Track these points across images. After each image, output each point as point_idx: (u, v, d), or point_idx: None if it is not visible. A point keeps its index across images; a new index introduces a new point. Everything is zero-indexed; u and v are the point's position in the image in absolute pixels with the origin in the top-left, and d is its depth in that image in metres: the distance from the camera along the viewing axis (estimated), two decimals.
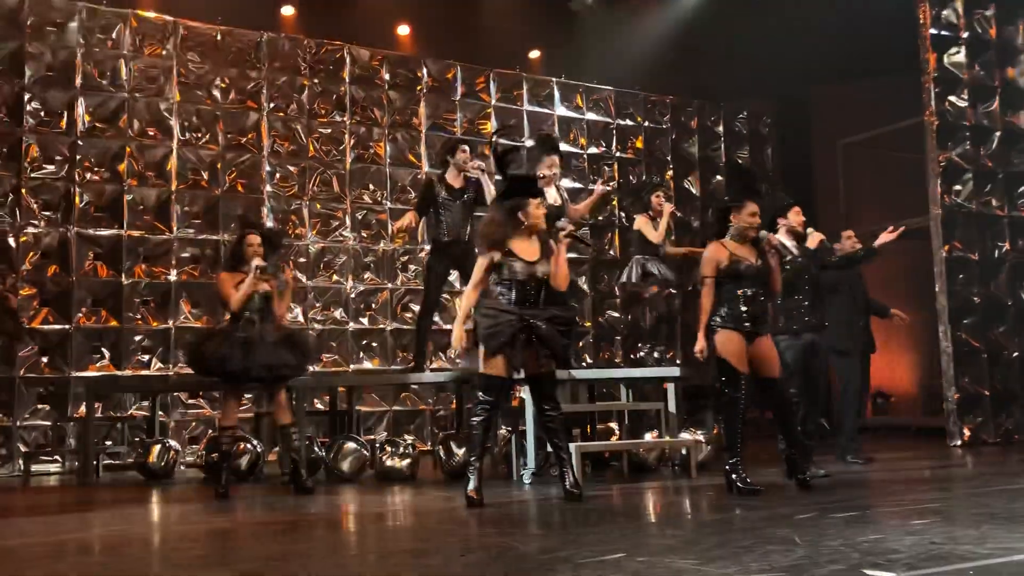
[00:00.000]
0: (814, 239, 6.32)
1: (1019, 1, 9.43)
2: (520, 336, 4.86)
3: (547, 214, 5.36)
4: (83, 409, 7.74)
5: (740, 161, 11.63)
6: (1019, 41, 9.45)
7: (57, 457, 8.23)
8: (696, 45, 11.35)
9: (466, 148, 7.20)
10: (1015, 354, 8.93)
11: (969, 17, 9.18)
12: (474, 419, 4.99)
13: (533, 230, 5.03)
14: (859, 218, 11.34)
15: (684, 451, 6.33)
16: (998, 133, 9.23)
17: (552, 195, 6.73)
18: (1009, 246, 9.12)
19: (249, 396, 8.42)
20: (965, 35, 9.13)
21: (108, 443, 8.17)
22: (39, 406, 8.27)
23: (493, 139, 7.32)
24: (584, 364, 7.93)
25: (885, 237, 6.47)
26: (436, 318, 8.59)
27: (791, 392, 5.81)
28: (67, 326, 8.38)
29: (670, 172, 9.11)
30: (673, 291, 7.69)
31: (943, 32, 9.02)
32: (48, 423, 8.24)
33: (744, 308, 5.10)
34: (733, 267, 5.11)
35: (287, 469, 6.23)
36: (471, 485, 4.89)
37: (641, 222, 7.72)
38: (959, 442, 8.35)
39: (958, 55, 9.09)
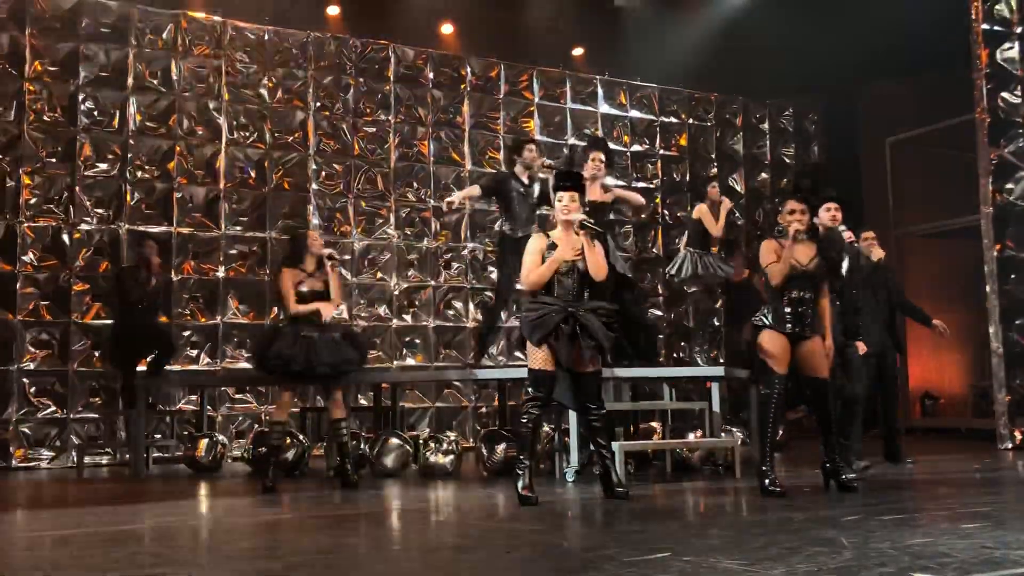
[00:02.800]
0: (877, 253, 6.28)
1: None
2: (564, 328, 4.87)
3: (588, 210, 5.38)
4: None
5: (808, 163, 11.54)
6: None
7: (109, 449, 8.42)
8: (741, 42, 11.25)
9: (533, 147, 7.25)
10: None
11: (1022, 12, 8.98)
12: (523, 416, 4.98)
13: (570, 224, 5.04)
14: (906, 218, 11.18)
15: (728, 451, 6.29)
16: None
17: (598, 192, 6.71)
18: None
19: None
20: (1019, 30, 8.94)
21: (157, 436, 8.34)
22: (91, 399, 8.46)
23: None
24: (627, 363, 7.89)
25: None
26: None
27: (854, 393, 5.79)
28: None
29: (714, 169, 9.06)
30: (719, 289, 7.62)
31: (996, 27, 8.83)
32: (98, 416, 8.43)
33: (788, 309, 5.06)
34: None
35: (334, 464, 6.31)
36: (522, 482, 4.86)
37: (702, 210, 7.66)
38: (1010, 445, 8.19)
39: (1011, 51, 8.89)
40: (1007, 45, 8.90)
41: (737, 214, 10.76)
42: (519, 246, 6.97)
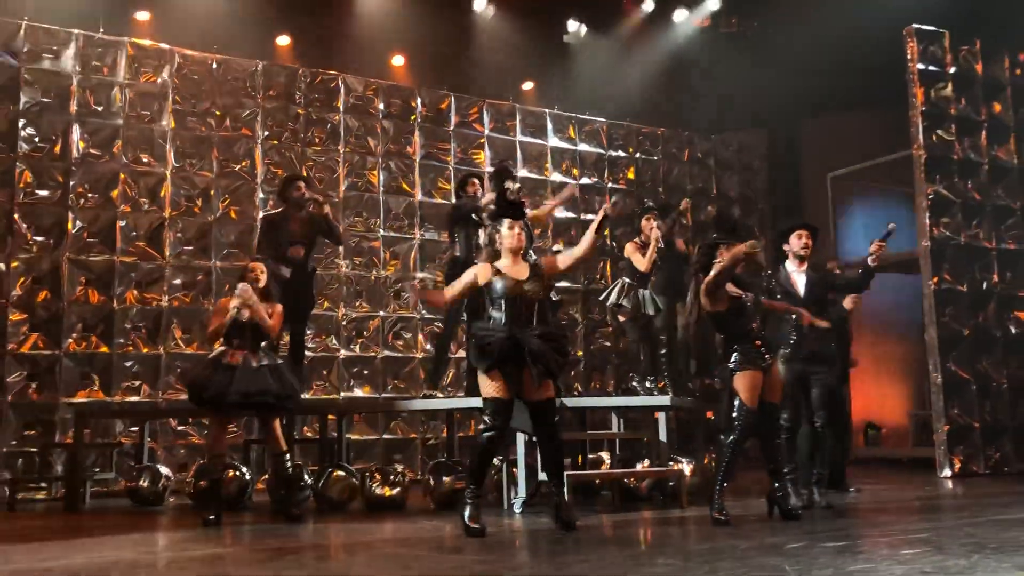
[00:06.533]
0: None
1: (1003, 38, 9.58)
2: (512, 355, 4.87)
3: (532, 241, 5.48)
4: (71, 435, 7.68)
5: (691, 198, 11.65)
6: (1004, 77, 9.60)
7: (43, 484, 8.16)
8: (687, 78, 11.49)
9: (476, 180, 7.37)
10: (1004, 385, 8.97)
11: (955, 53, 9.32)
12: (479, 445, 4.92)
13: (516, 251, 5.08)
14: (849, 250, 11.43)
15: (673, 481, 6.32)
16: (985, 167, 9.35)
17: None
18: (997, 278, 9.20)
19: (237, 423, 8.41)
20: (952, 70, 9.27)
21: (96, 470, 8.11)
22: (26, 432, 8.21)
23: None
24: (576, 392, 7.93)
25: (875, 248, 6.26)
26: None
27: (782, 419, 5.82)
28: (56, 352, 8.35)
29: (685, 202, 9.11)
30: (655, 316, 7.63)
31: (930, 67, 9.15)
32: (35, 449, 8.18)
33: (758, 343, 5.16)
34: (739, 304, 5.16)
35: (277, 496, 6.19)
36: (469, 512, 4.81)
37: (630, 249, 7.70)
38: (949, 473, 8.36)
39: (945, 90, 9.22)
40: (941, 84, 9.22)
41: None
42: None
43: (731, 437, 5.12)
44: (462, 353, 8.93)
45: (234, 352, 5.79)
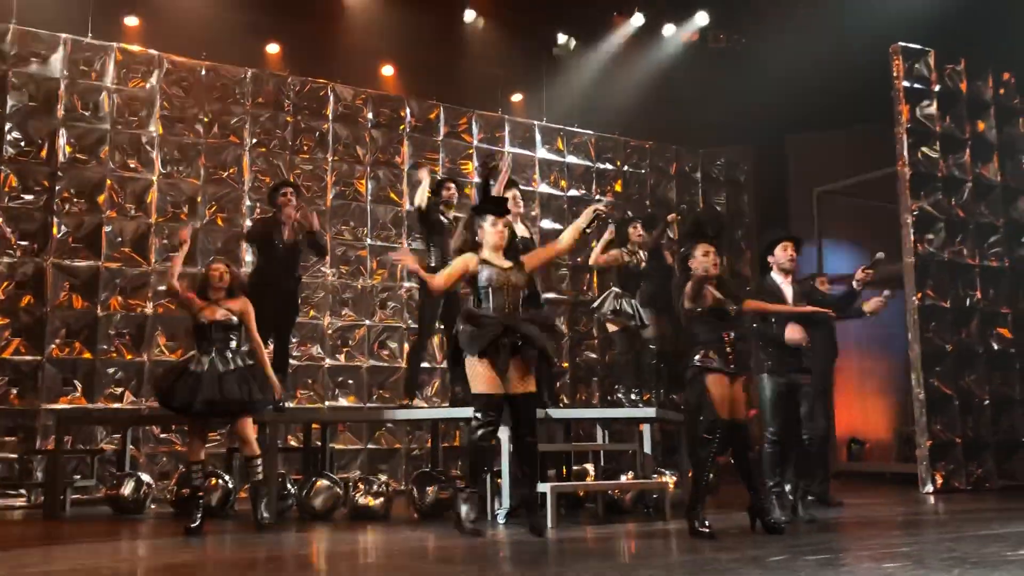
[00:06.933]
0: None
1: (987, 57, 9.69)
2: (504, 341, 4.87)
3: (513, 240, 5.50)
4: (52, 442, 7.62)
5: (685, 207, 11.70)
6: (987, 95, 9.70)
7: (23, 491, 8.08)
8: (675, 92, 11.56)
9: (451, 186, 7.43)
10: (986, 401, 9.03)
11: (940, 71, 9.41)
12: (474, 441, 4.86)
13: (497, 248, 5.10)
14: (834, 265, 11.48)
15: (657, 493, 6.32)
16: (969, 184, 9.43)
17: (520, 229, 6.80)
18: (980, 295, 9.27)
19: (222, 431, 8.36)
20: (936, 88, 9.35)
21: (77, 477, 8.04)
22: (6, 438, 8.14)
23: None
24: (561, 404, 7.90)
25: (873, 306, 6.41)
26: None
27: (769, 432, 5.83)
28: (39, 357, 8.29)
29: (672, 216, 9.16)
30: (641, 329, 7.64)
31: (916, 85, 9.23)
32: (15, 456, 8.11)
33: (728, 351, 5.13)
34: (719, 308, 5.15)
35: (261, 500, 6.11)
36: (466, 511, 4.75)
37: (599, 260, 7.77)
38: (931, 488, 8.39)
39: (930, 108, 9.30)
40: (926, 102, 9.31)
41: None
42: None
43: (702, 449, 5.07)
44: (446, 363, 8.91)
45: (200, 357, 5.69)
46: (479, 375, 4.86)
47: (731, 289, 5.39)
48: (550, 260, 5.83)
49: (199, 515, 5.64)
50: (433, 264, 7.05)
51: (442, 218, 7.22)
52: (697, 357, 5.11)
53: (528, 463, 5.01)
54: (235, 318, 5.81)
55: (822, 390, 6.95)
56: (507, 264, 5.09)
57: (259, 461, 5.83)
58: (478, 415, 4.90)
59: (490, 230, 5.13)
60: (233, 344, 5.80)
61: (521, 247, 5.85)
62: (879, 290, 6.53)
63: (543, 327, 5.06)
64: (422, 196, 7.19)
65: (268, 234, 7.15)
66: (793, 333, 5.78)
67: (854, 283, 6.35)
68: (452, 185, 7.50)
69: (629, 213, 9.02)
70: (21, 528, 6.64)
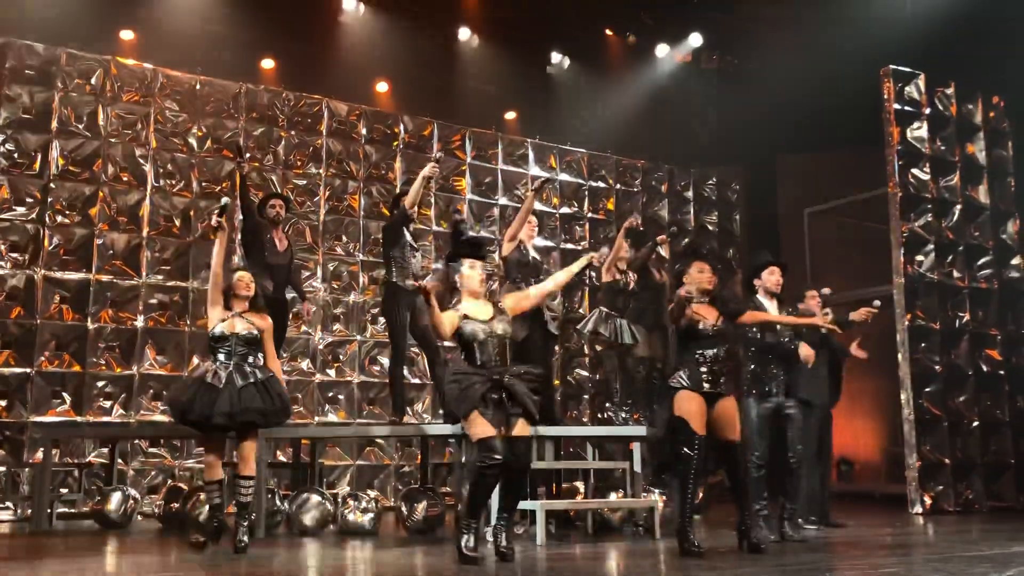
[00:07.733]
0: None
1: (977, 81, 9.78)
2: (491, 396, 4.82)
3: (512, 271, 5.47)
4: (40, 455, 7.58)
5: (676, 227, 11.74)
6: (977, 119, 9.78)
7: (9, 504, 8.03)
8: (668, 111, 11.65)
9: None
10: (975, 423, 9.06)
11: (931, 94, 9.49)
12: (482, 479, 4.75)
13: (476, 293, 5.03)
14: (824, 285, 11.53)
15: (647, 512, 6.32)
16: (958, 206, 9.49)
17: (530, 250, 6.89)
18: (969, 316, 9.31)
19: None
20: (927, 111, 9.43)
21: (64, 491, 7.99)
22: None
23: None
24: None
25: (861, 315, 6.52)
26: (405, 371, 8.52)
27: (754, 456, 5.83)
28: (28, 370, 8.25)
29: (662, 237, 9.18)
30: (632, 346, 7.66)
31: (906, 107, 9.31)
32: (2, 468, 8.06)
33: (703, 370, 5.13)
34: (692, 326, 5.16)
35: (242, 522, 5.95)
36: (466, 541, 4.70)
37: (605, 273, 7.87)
38: (920, 510, 8.40)
39: (920, 130, 9.37)
40: (916, 124, 9.38)
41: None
42: (410, 297, 6.92)
43: (682, 466, 5.04)
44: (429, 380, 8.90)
45: (216, 370, 5.49)
46: (476, 423, 4.78)
47: (729, 302, 5.40)
48: (535, 307, 5.73)
49: (211, 534, 5.52)
50: (394, 279, 6.96)
51: (407, 233, 7.10)
52: (673, 378, 5.15)
53: (513, 498, 4.96)
54: (256, 332, 5.63)
55: (804, 400, 6.92)
56: (488, 315, 4.95)
57: (251, 483, 5.65)
58: (483, 459, 4.76)
59: (469, 273, 5.01)
60: (251, 359, 5.59)
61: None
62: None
63: (532, 385, 4.92)
64: (416, 196, 7.08)
65: (259, 244, 7.11)
66: (806, 351, 5.88)
67: (849, 316, 6.45)
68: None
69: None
70: (7, 541, 6.58)
